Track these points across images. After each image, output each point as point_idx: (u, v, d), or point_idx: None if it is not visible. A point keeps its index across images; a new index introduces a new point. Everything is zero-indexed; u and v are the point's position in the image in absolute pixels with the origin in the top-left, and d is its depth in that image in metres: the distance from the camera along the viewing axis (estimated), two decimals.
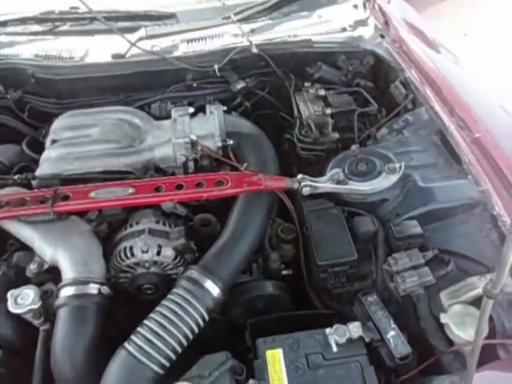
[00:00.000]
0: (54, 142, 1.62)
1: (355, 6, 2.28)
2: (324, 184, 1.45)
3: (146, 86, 1.91)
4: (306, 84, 1.89)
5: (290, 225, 1.53)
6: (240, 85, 1.89)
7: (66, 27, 2.00)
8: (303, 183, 1.42)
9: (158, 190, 1.35)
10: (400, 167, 1.46)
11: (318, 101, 1.85)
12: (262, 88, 2.01)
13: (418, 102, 1.77)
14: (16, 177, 1.48)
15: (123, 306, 1.40)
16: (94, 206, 1.33)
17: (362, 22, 2.21)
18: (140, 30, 1.93)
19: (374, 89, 1.98)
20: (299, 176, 1.46)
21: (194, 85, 1.92)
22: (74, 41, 1.97)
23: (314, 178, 1.46)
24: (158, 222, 1.41)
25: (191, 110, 1.73)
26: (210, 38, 2.00)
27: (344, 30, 2.14)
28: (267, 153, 1.61)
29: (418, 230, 1.32)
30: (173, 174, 1.64)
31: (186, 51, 1.92)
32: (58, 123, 1.70)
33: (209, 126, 1.66)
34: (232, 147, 1.61)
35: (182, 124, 1.66)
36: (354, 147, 1.61)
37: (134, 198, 1.33)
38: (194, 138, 1.57)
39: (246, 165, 1.52)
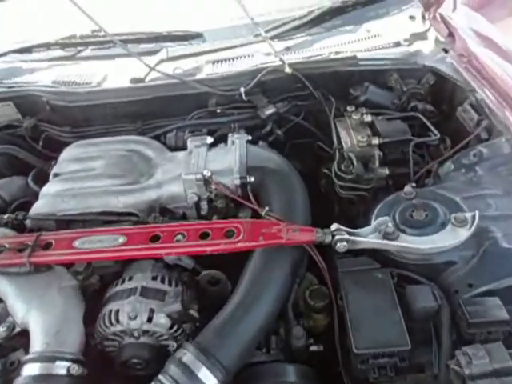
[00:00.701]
0: (55, 175, 1.44)
1: (412, 18, 1.95)
2: (366, 239, 1.11)
3: (165, 113, 1.70)
4: (349, 108, 1.57)
5: (322, 287, 1.19)
6: (270, 110, 1.61)
7: (87, 52, 1.86)
8: (338, 237, 1.09)
9: (153, 239, 1.10)
10: (473, 218, 1.08)
11: (363, 128, 1.52)
12: (296, 114, 1.72)
13: (494, 129, 1.37)
14: (6, 216, 1.30)
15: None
16: (77, 257, 1.10)
17: (421, 35, 1.86)
18: (161, 51, 1.74)
19: (436, 114, 1.62)
20: (333, 227, 1.13)
21: (218, 111, 1.68)
22: (95, 65, 1.83)
23: (352, 230, 1.12)
24: (155, 278, 1.15)
25: (210, 139, 1.48)
26: (238, 58, 1.76)
27: (398, 44, 1.81)
28: (296, 194, 1.30)
29: (503, 313, 0.92)
30: (183, 216, 1.38)
31: (209, 73, 1.70)
32: (64, 154, 1.54)
33: (228, 159, 1.39)
34: (253, 185, 1.33)
35: (196, 156, 1.41)
36: (408, 187, 1.25)
37: (124, 249, 1.08)
38: (207, 173, 1.31)
39: (266, 209, 1.22)
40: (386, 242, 1.10)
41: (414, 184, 1.36)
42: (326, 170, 1.55)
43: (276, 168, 1.38)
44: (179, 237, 1.12)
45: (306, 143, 1.80)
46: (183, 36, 1.80)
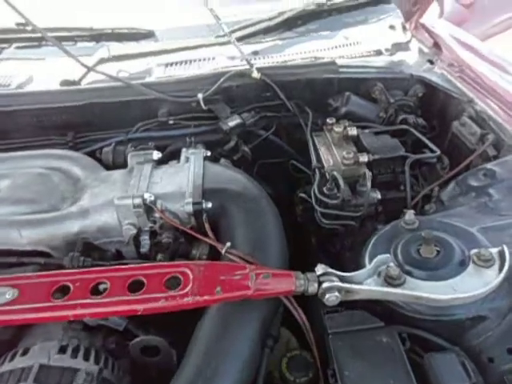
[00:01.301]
0: None
1: (392, 27, 1.76)
2: (364, 285, 0.81)
3: (104, 123, 1.37)
4: (329, 120, 1.31)
5: (303, 353, 0.87)
6: (234, 121, 1.32)
7: (11, 50, 1.52)
8: (326, 284, 0.78)
9: (59, 293, 0.74)
10: (501, 255, 0.81)
11: (347, 144, 1.26)
12: (266, 127, 1.44)
13: (504, 145, 1.14)
14: None
15: None
16: None
17: (402, 46, 1.67)
18: (101, 48, 1.42)
19: (428, 129, 1.38)
20: (319, 269, 0.82)
21: (171, 121, 1.37)
22: (19, 65, 1.48)
23: (344, 274, 0.82)
24: (63, 350, 0.78)
25: (156, 154, 1.16)
26: (196, 61, 1.48)
27: (379, 53, 1.60)
28: (268, 225, 0.99)
29: None
30: (118, 255, 1.03)
31: (161, 76, 1.39)
32: None
33: (179, 180, 1.08)
34: (211, 213, 1.01)
35: (138, 176, 1.08)
36: (410, 214, 0.98)
37: (13, 310, 0.72)
38: (149, 197, 0.98)
39: (228, 245, 0.90)
40: (390, 289, 0.80)
41: (413, 211, 1.09)
42: (303, 195, 1.26)
43: (241, 191, 1.07)
44: (102, 287, 0.77)
45: (278, 163, 1.52)
46: (131, 34, 1.51)
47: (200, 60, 1.48)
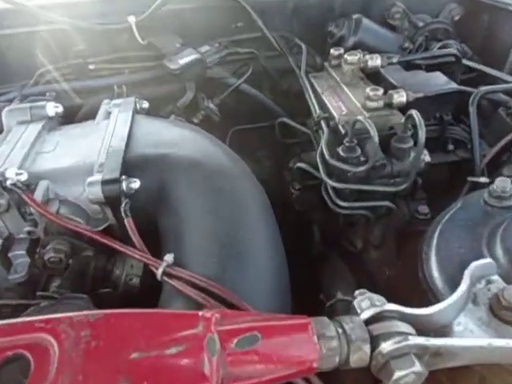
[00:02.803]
0: None
1: None
2: (470, 339, 0.36)
3: None
4: (335, 51, 0.85)
5: None
6: (187, 57, 0.84)
7: None
8: (391, 345, 0.33)
9: None
10: None
11: (365, 84, 0.80)
12: (238, 73, 0.97)
13: None
14: None
15: None
16: None
17: None
18: None
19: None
20: (362, 304, 0.37)
21: (91, 66, 0.88)
22: None
23: (412, 311, 0.37)
24: None
25: (53, 108, 0.68)
26: None
27: None
28: (248, 215, 0.53)
29: None
30: None
31: None
32: None
33: (86, 146, 0.60)
34: (141, 200, 0.54)
35: (12, 141, 0.60)
36: (502, 181, 0.54)
37: None
38: (13, 175, 0.50)
39: (168, 260, 0.44)
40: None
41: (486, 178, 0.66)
42: (301, 164, 0.80)
43: (198, 158, 0.59)
44: None
45: (259, 127, 1.06)
46: None
47: None
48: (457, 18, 1.02)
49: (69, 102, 0.88)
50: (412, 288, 0.63)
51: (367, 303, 0.38)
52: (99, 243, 0.50)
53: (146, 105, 0.74)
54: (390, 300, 0.73)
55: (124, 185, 0.52)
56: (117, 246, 0.48)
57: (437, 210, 0.84)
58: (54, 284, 0.56)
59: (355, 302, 0.38)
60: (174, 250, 0.49)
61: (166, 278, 0.44)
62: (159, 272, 0.45)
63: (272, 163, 1.13)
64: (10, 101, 0.85)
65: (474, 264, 0.43)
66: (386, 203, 0.70)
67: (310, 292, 0.79)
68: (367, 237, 0.79)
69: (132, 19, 0.84)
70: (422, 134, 0.61)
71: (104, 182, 0.52)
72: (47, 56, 0.87)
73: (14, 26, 0.87)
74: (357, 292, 0.40)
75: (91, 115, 0.74)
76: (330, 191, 0.69)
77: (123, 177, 0.53)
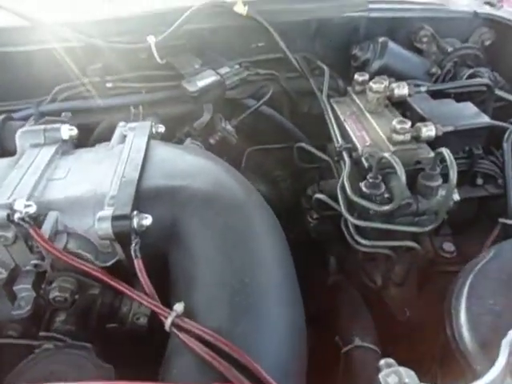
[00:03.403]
0: None
1: None
2: None
3: (5, 89, 0.87)
4: (360, 77, 0.82)
5: None
6: (206, 79, 0.82)
7: None
8: None
9: None
10: None
11: (390, 112, 0.77)
12: (257, 94, 0.95)
13: None
14: None
15: None
16: None
17: None
18: None
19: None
20: (390, 376, 0.33)
21: (108, 84, 0.87)
22: None
23: None
24: None
25: (68, 131, 0.66)
26: None
27: None
28: (265, 257, 0.50)
29: None
30: None
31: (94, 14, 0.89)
32: None
33: (98, 175, 0.58)
34: (152, 238, 0.51)
35: (24, 166, 0.59)
36: None
37: None
38: (22, 207, 0.48)
39: (178, 310, 0.41)
40: None
41: None
42: (319, 195, 0.76)
43: (214, 192, 0.57)
44: None
45: (278, 148, 1.03)
46: None
47: None
48: (488, 43, 0.98)
49: (85, 119, 0.87)
50: (434, 335, 0.59)
51: (395, 380, 0.34)
52: (106, 283, 0.47)
53: (161, 129, 0.72)
54: (410, 346, 0.69)
55: (135, 221, 0.49)
56: (125, 289, 0.46)
57: (462, 247, 0.80)
58: (58, 319, 0.54)
59: (381, 377, 0.35)
60: (184, 296, 0.46)
61: (174, 330, 0.41)
62: (168, 323, 0.42)
63: (288, 184, 1.10)
64: (26, 118, 0.84)
65: None
66: (410, 243, 0.66)
67: (323, 326, 0.76)
68: (388, 274, 0.75)
69: (152, 39, 0.83)
70: (454, 175, 0.57)
71: (114, 218, 0.49)
72: (63, 73, 0.86)
73: (31, 43, 0.86)
74: (382, 362, 0.36)
75: (107, 134, 0.72)
76: (351, 228, 0.66)
77: (135, 212, 0.50)
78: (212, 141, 0.93)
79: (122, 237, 0.50)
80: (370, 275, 0.78)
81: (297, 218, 0.95)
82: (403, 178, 0.58)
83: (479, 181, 0.78)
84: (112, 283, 0.46)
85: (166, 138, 0.88)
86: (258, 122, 0.99)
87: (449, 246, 0.75)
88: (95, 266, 0.50)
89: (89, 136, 0.85)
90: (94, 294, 0.52)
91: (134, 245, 0.48)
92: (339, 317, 0.72)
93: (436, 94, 0.82)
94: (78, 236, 0.53)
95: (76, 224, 0.53)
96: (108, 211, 0.50)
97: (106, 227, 0.49)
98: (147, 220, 0.50)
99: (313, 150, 0.86)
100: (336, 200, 0.70)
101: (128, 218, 0.49)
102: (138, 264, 0.46)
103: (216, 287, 0.45)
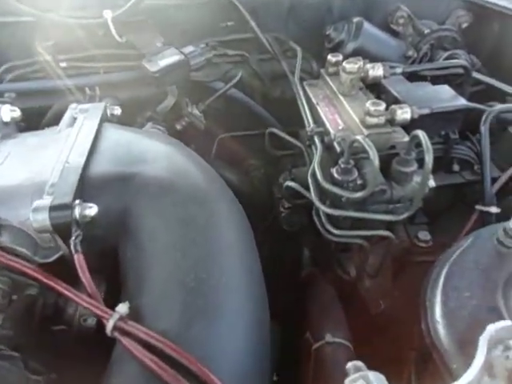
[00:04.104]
0: None
1: None
2: None
3: None
4: (333, 58, 0.77)
5: None
6: (168, 58, 0.76)
7: None
8: None
9: None
10: None
11: (364, 95, 0.72)
12: (226, 77, 0.89)
13: None
14: None
15: None
16: None
17: None
18: None
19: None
20: (358, 382, 0.29)
21: (63, 64, 0.80)
22: None
23: None
24: None
25: (9, 112, 0.59)
26: None
27: None
28: (225, 253, 0.45)
29: None
30: None
31: None
32: None
33: (40, 161, 0.52)
34: (100, 231, 0.45)
35: None
36: None
37: None
38: None
39: (121, 311, 0.36)
40: None
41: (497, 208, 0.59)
42: (290, 183, 0.72)
43: (171, 179, 0.51)
44: None
45: (248, 135, 0.98)
46: None
47: None
48: (465, 25, 0.95)
49: (36, 102, 0.80)
50: (410, 329, 0.56)
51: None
52: (42, 282, 0.42)
53: (117, 111, 0.65)
54: (383, 339, 0.66)
55: (77, 212, 0.43)
56: (63, 289, 0.40)
57: (438, 236, 0.77)
58: None
59: (347, 382, 0.30)
60: (133, 295, 0.41)
61: (116, 334, 0.36)
62: (109, 326, 0.36)
63: (261, 173, 1.05)
64: None
65: (492, 328, 0.36)
66: (384, 233, 0.62)
67: (295, 321, 0.72)
68: (362, 265, 0.72)
69: (108, 14, 0.76)
70: (430, 160, 0.53)
71: (53, 208, 0.43)
72: (12, 50, 0.78)
73: None
74: (350, 365, 0.32)
75: (59, 120, 0.66)
76: (323, 217, 0.61)
77: (77, 201, 0.44)
78: (178, 126, 0.87)
79: (62, 229, 0.44)
80: (343, 267, 0.75)
81: (271, 209, 0.91)
82: (376, 162, 0.54)
83: (455, 167, 0.75)
84: (47, 282, 0.41)
85: (127, 123, 0.82)
86: (228, 107, 0.94)
87: (424, 235, 0.72)
88: (30, 263, 0.44)
89: (40, 121, 0.78)
90: (32, 295, 0.46)
91: (73, 238, 0.42)
92: (309, 312, 0.68)
93: (412, 77, 0.78)
94: (12, 229, 0.47)
95: (11, 215, 0.47)
96: (46, 200, 0.44)
97: (43, 218, 0.43)
98: (92, 210, 0.44)
99: (284, 135, 0.81)
100: (308, 188, 0.66)
101: (69, 207, 0.43)
102: (79, 259, 0.41)
103: (168, 285, 0.40)
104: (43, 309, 0.48)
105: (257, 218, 1.02)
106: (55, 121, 0.71)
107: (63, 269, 0.46)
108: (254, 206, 1.03)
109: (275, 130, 0.84)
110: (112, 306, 0.40)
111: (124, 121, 0.67)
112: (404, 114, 0.62)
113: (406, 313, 0.67)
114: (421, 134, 0.54)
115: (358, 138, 0.55)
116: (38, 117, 0.77)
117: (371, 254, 0.69)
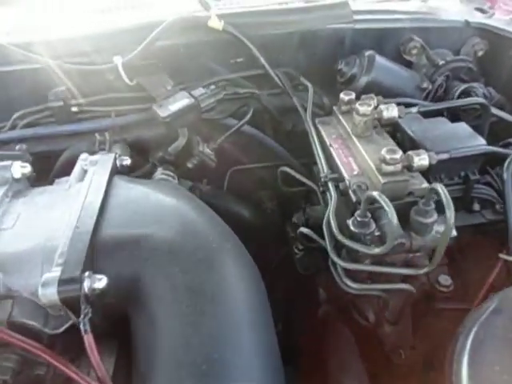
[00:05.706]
0: None
1: None
2: None
3: None
4: (345, 96, 0.75)
5: None
6: (178, 103, 0.76)
7: None
8: None
9: None
10: None
11: (379, 135, 0.70)
12: (237, 114, 0.88)
13: None
14: None
15: None
16: None
17: None
18: None
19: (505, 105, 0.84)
20: None
21: (74, 108, 0.80)
22: None
23: None
24: None
25: (20, 169, 0.60)
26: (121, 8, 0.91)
27: None
28: (240, 325, 0.44)
29: None
30: None
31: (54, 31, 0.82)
32: None
33: (51, 222, 0.51)
34: (110, 300, 0.44)
35: None
36: None
37: None
38: None
39: None
40: None
41: None
42: (305, 230, 0.70)
43: (183, 242, 0.50)
44: None
45: (261, 169, 0.97)
46: None
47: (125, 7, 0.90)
48: (480, 53, 0.92)
49: (48, 147, 0.80)
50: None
51: None
52: (51, 364, 0.41)
53: (127, 161, 0.65)
54: None
55: (86, 285, 0.42)
56: (71, 372, 0.39)
57: (460, 277, 0.74)
58: None
59: None
60: (143, 376, 0.40)
61: None
62: None
63: (274, 204, 1.04)
64: None
65: None
66: (403, 286, 0.59)
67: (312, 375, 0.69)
68: (381, 312, 0.69)
69: (118, 59, 0.76)
70: (451, 215, 0.50)
71: (61, 282, 0.42)
72: (25, 98, 0.79)
73: None
74: None
75: (71, 165, 0.65)
76: (340, 271, 0.59)
77: (86, 274, 0.43)
78: (190, 165, 0.86)
79: (71, 303, 0.43)
80: (361, 312, 0.72)
81: (283, 240, 0.90)
82: (394, 219, 0.52)
83: (476, 206, 0.72)
84: (57, 365, 0.40)
85: (139, 164, 0.82)
86: (239, 141, 0.93)
87: (445, 280, 0.69)
88: (40, 335, 0.43)
89: (52, 165, 0.78)
90: (41, 375, 0.45)
91: (82, 316, 0.41)
92: (328, 365, 0.65)
93: (428, 111, 0.76)
94: (23, 301, 0.46)
95: (22, 285, 0.46)
96: (55, 273, 0.43)
97: (51, 293, 0.42)
98: (101, 282, 0.43)
99: (297, 175, 0.79)
100: (322, 229, 0.64)
101: (77, 281, 0.42)
102: (88, 341, 0.39)
103: (178, 368, 0.39)
104: None
105: (270, 251, 1.01)
106: (68, 167, 0.71)
107: (73, 336, 0.45)
108: (267, 239, 1.02)
109: (287, 169, 0.82)
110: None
111: (137, 161, 0.67)
112: (422, 160, 0.60)
113: (427, 364, 0.64)
114: (440, 188, 0.52)
115: (375, 194, 0.53)
116: (49, 162, 0.78)
117: (391, 301, 0.67)
